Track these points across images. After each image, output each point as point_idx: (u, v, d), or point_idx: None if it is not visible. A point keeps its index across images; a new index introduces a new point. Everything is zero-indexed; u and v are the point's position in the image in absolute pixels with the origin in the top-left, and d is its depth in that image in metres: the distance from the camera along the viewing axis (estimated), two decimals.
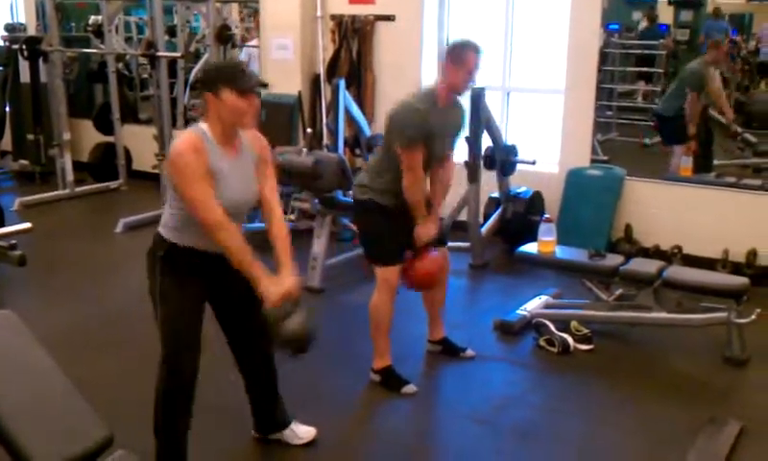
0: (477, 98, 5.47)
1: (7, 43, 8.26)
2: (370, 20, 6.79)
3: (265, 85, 2.67)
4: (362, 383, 3.92)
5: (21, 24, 8.66)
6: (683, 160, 6.45)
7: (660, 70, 7.51)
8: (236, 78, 2.78)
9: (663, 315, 4.28)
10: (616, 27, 7.51)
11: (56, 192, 7.63)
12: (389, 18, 6.76)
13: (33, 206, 7.27)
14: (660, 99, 7.18)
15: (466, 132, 4.24)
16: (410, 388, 3.84)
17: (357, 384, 3.93)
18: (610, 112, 7.68)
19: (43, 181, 8.12)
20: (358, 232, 4.00)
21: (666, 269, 4.37)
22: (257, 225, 6.11)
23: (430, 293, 4.15)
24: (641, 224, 5.85)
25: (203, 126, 2.84)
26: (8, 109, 8.48)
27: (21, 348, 2.52)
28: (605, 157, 6.83)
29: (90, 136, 8.44)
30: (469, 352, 4.24)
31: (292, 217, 5.88)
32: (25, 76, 8.16)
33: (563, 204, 6.10)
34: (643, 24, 7.52)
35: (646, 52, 7.55)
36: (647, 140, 7.31)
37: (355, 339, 4.31)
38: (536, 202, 6.07)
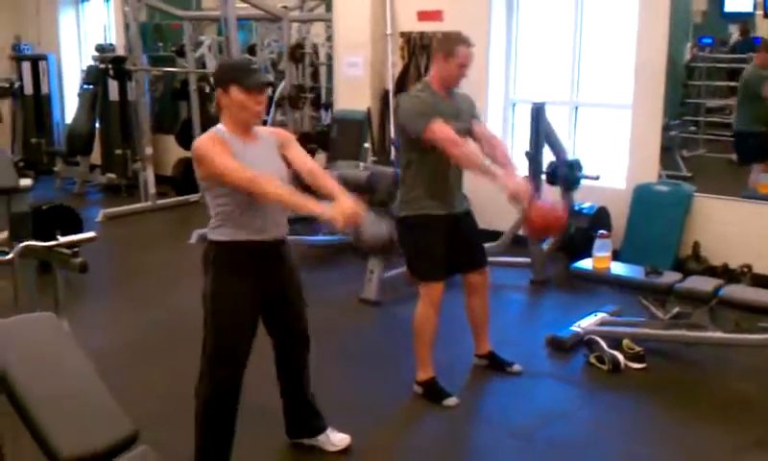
0: (537, 112, 5.45)
1: (97, 63, 8.71)
2: (437, 37, 6.83)
3: (271, 84, 2.83)
4: (405, 394, 3.95)
5: (111, 45, 9.10)
6: (761, 177, 6.22)
7: None
8: (244, 76, 2.91)
9: (719, 335, 4.16)
10: (710, 41, 7.33)
11: (138, 205, 7.98)
12: None
13: (116, 217, 7.63)
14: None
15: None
16: (451, 401, 3.84)
17: (400, 395, 3.96)
18: (693, 128, 7.49)
19: (129, 195, 8.51)
20: (401, 249, 4.04)
21: (723, 287, 4.24)
22: (320, 238, 6.30)
23: (471, 308, 4.16)
24: (710, 242, 5.66)
25: (219, 126, 2.98)
26: (98, 125, 8.94)
27: (58, 347, 2.66)
28: (687, 174, 6.66)
29: (175, 151, 8.79)
30: (516, 368, 4.21)
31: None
32: (114, 94, 8.61)
33: (629, 220, 5.98)
34: (736, 36, 7.30)
35: (735, 66, 7.33)
36: (735, 157, 7.07)
37: (406, 351, 4.32)
38: (601, 218, 5.97)
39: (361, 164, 5.24)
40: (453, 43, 3.77)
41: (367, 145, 5.69)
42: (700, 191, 5.86)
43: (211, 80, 8.83)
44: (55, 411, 2.42)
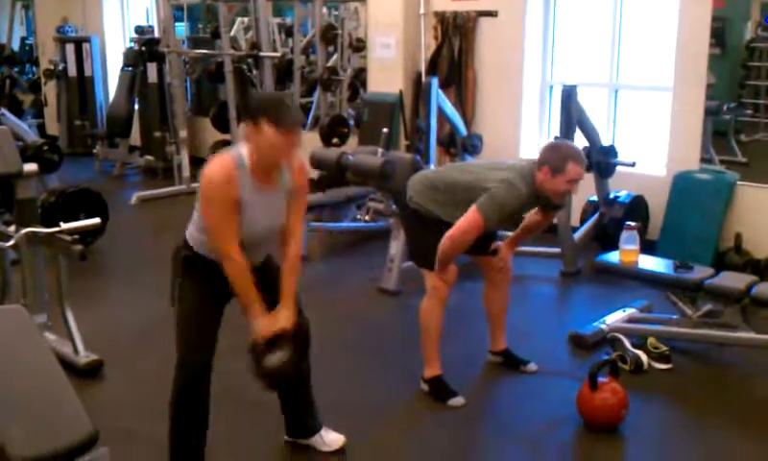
0: (568, 95, 5.19)
1: (136, 45, 8.69)
2: (472, 16, 6.61)
3: (303, 125, 2.65)
4: (411, 391, 3.78)
5: (151, 26, 9.07)
6: None
7: None
8: (277, 114, 2.70)
9: (750, 335, 3.87)
10: None
11: (172, 188, 7.93)
12: (491, 14, 6.56)
13: (149, 200, 7.61)
14: None
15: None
16: (457, 401, 3.66)
17: (406, 392, 3.80)
18: (751, 111, 7.10)
19: (165, 177, 8.47)
20: (405, 235, 3.86)
21: (757, 285, 3.95)
22: (343, 224, 6.16)
23: (488, 299, 3.97)
24: (753, 233, 5.34)
25: (242, 150, 2.79)
26: (136, 107, 8.93)
27: (23, 342, 2.57)
28: (743, 160, 6.31)
29: (213, 134, 8.72)
30: (531, 367, 4.00)
31: (366, 217, 5.82)
32: (153, 76, 8.59)
33: (668, 210, 5.69)
34: None
35: None
36: None
37: (419, 345, 4.18)
38: (637, 207, 5.69)
39: (379, 150, 5.05)
40: (562, 159, 3.40)
41: (385, 130, 5.48)
42: (756, 178, 5.52)
43: (249, 62, 8.76)
44: (11, 408, 2.33)
